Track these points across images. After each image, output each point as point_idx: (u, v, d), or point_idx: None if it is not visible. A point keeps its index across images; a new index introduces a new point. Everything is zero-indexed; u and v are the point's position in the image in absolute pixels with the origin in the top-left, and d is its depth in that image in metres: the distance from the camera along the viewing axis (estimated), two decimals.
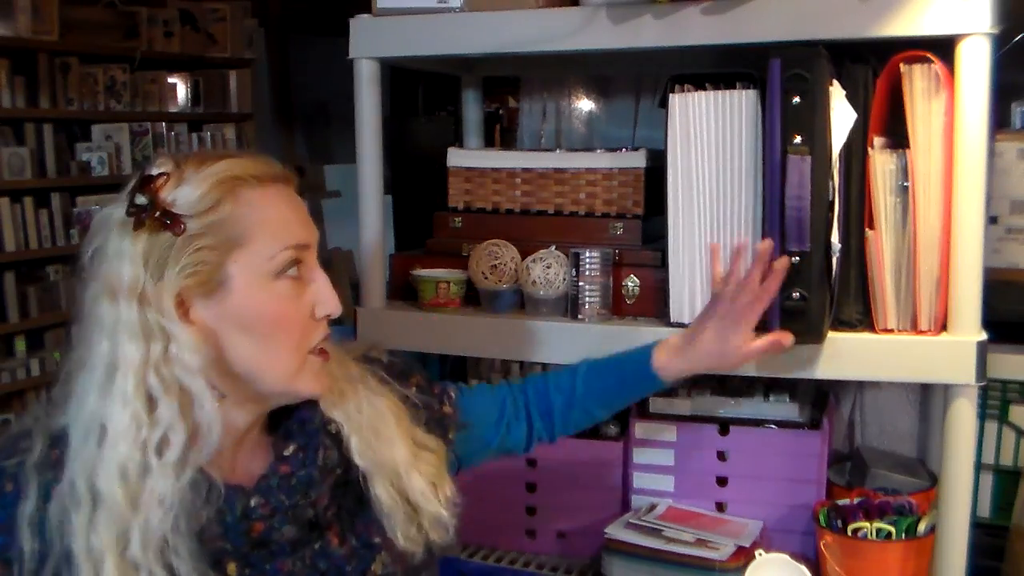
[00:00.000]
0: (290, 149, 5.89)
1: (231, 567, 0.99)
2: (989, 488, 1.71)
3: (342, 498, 1.09)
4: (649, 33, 1.45)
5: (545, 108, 2.29)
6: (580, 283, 1.55)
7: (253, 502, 1.00)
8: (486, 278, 1.63)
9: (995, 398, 1.69)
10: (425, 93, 5.64)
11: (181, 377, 0.96)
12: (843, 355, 1.41)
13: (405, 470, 1.09)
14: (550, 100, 2.29)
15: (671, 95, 1.45)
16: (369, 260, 1.68)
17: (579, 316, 1.56)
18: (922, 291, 1.38)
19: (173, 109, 4.96)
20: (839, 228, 1.38)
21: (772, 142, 1.35)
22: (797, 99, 1.32)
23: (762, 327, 1.40)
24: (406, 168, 4.29)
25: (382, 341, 1.29)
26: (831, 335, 1.40)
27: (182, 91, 5.01)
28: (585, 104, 2.29)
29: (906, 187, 1.37)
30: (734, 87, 1.43)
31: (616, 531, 1.63)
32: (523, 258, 1.62)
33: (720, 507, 1.70)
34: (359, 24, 1.62)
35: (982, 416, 1.67)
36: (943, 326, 1.38)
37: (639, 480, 1.74)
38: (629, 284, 1.59)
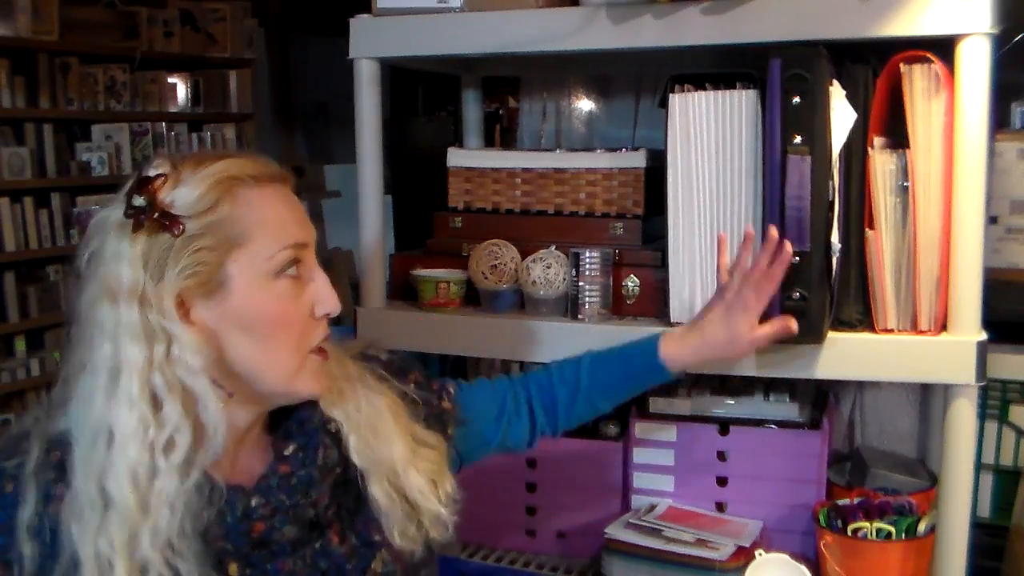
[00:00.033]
0: (290, 149, 5.90)
1: (232, 567, 0.99)
2: (989, 488, 1.71)
3: (342, 497, 1.09)
4: (649, 33, 1.45)
5: (545, 108, 2.29)
6: (580, 283, 1.55)
7: (254, 502, 1.00)
8: (486, 278, 1.63)
9: (995, 398, 1.69)
10: (425, 93, 5.64)
11: (184, 378, 0.96)
12: (843, 355, 1.41)
13: (403, 468, 1.09)
14: (550, 100, 2.29)
15: (671, 95, 1.45)
16: (369, 260, 1.68)
17: (579, 316, 1.56)
18: (922, 291, 1.38)
19: (173, 109, 4.96)
20: (839, 228, 1.38)
21: (772, 142, 1.35)
22: (797, 99, 1.32)
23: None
24: (406, 168, 4.29)
25: (381, 340, 1.29)
26: (831, 335, 1.40)
27: (182, 91, 5.01)
28: (585, 104, 2.29)
29: (906, 187, 1.37)
30: (734, 87, 1.43)
31: (616, 531, 1.63)
32: (523, 258, 1.62)
33: (720, 507, 1.70)
34: (359, 24, 1.62)
35: (982, 416, 1.67)
36: (943, 326, 1.38)
37: (639, 480, 1.74)
38: (629, 284, 1.59)
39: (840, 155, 1.37)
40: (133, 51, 4.65)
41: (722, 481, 1.69)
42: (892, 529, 1.50)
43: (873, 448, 1.84)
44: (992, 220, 1.64)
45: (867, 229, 1.40)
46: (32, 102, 4.22)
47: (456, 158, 1.76)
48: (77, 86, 4.39)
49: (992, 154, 1.56)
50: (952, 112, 1.33)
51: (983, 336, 1.36)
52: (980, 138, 1.32)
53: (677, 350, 1.30)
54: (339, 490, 1.08)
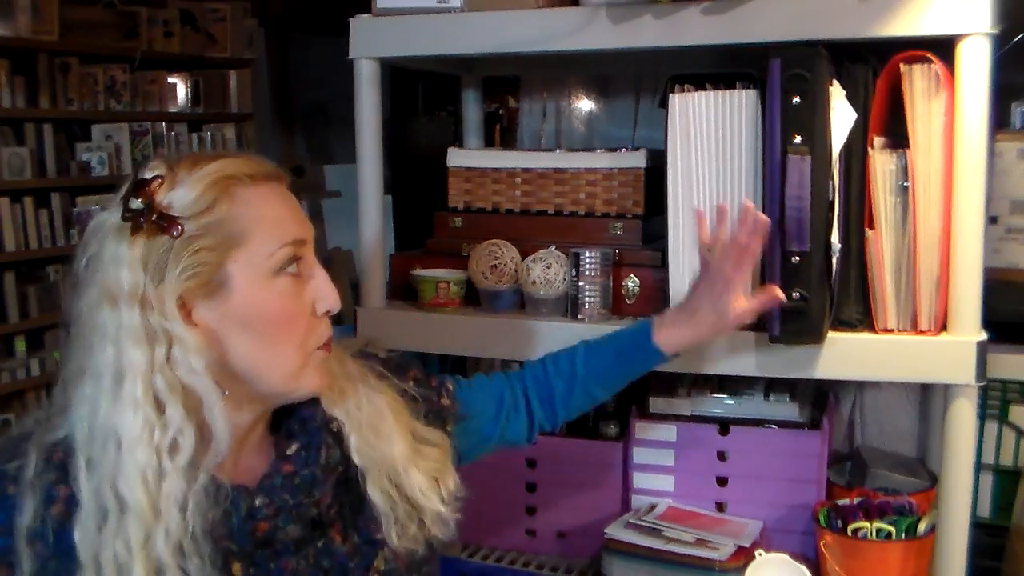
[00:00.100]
0: (290, 149, 5.89)
1: (236, 567, 0.99)
2: (989, 488, 1.71)
3: (344, 495, 1.09)
4: (649, 33, 1.45)
5: (545, 108, 2.30)
6: (580, 283, 1.55)
7: (258, 502, 1.00)
8: (486, 278, 1.63)
9: (995, 398, 1.69)
10: (425, 93, 5.64)
11: (186, 379, 0.96)
12: (843, 355, 1.41)
13: (404, 467, 1.09)
14: (550, 100, 2.29)
15: (671, 95, 1.45)
16: (369, 260, 1.68)
17: (579, 316, 1.56)
18: (922, 291, 1.38)
19: (173, 109, 4.96)
20: (839, 228, 1.38)
21: (772, 142, 1.35)
22: (797, 99, 1.32)
23: (761, 326, 1.41)
24: (406, 168, 4.30)
25: (380, 338, 1.29)
26: (831, 335, 1.40)
27: (182, 91, 5.01)
28: (585, 104, 2.29)
29: (906, 187, 1.37)
30: (734, 87, 1.43)
31: (616, 531, 1.63)
32: (523, 258, 1.62)
33: (720, 507, 1.70)
34: (359, 24, 1.62)
35: (982, 416, 1.67)
36: (943, 326, 1.38)
37: (639, 480, 1.74)
38: (629, 284, 1.59)
39: (840, 155, 1.37)
40: (133, 51, 4.65)
41: (722, 481, 1.69)
42: (892, 529, 1.50)
43: (873, 448, 1.84)
44: (992, 220, 1.63)
45: (867, 229, 1.40)
46: (32, 102, 4.22)
47: (456, 158, 1.76)
48: (77, 86, 4.39)
49: (992, 154, 1.56)
50: (952, 112, 1.33)
51: (983, 336, 1.36)
52: (980, 138, 1.32)
53: (670, 333, 1.31)
54: (341, 489, 1.09)
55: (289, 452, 1.05)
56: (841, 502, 1.58)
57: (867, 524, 1.51)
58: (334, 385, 1.08)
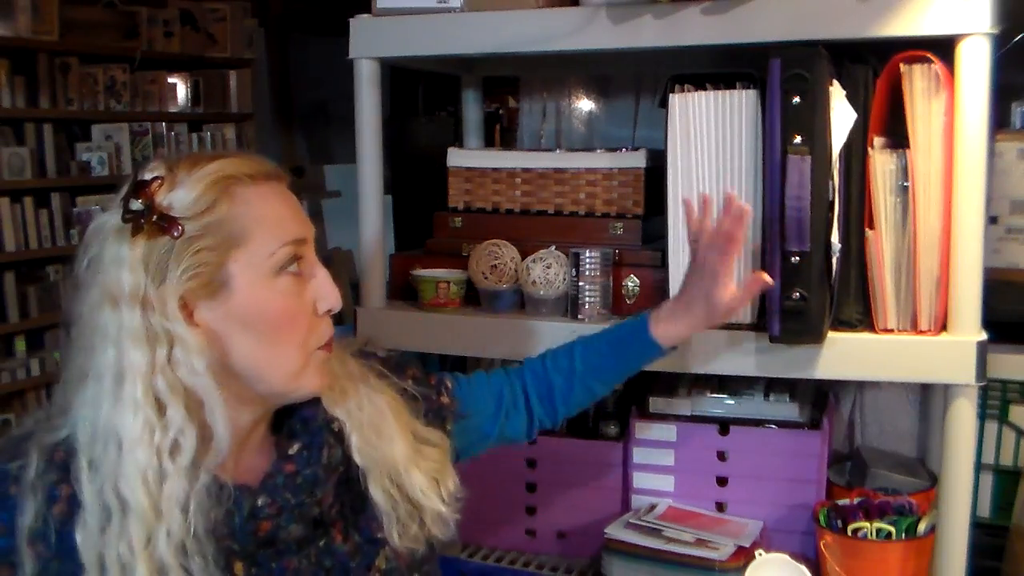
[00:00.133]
0: (290, 149, 5.89)
1: (238, 567, 0.99)
2: (989, 488, 1.71)
3: (345, 495, 1.09)
4: (649, 33, 1.45)
5: (545, 108, 2.29)
6: (580, 283, 1.55)
7: (260, 501, 1.00)
8: (486, 278, 1.63)
9: (995, 398, 1.69)
10: (425, 93, 5.64)
11: (187, 380, 0.96)
12: (843, 355, 1.41)
13: (405, 467, 1.09)
14: (550, 100, 2.29)
15: (671, 95, 1.45)
16: (369, 260, 1.68)
17: (579, 316, 1.56)
18: (922, 291, 1.38)
19: (173, 109, 4.96)
20: (839, 228, 1.38)
21: (772, 142, 1.35)
22: (797, 99, 1.32)
23: (761, 326, 1.41)
24: (406, 168, 4.30)
25: (380, 338, 1.29)
26: (831, 335, 1.40)
27: (182, 91, 5.01)
28: (585, 104, 2.29)
29: (906, 187, 1.37)
30: (734, 87, 1.43)
31: (616, 531, 1.63)
32: (523, 258, 1.62)
33: (720, 507, 1.70)
34: (359, 24, 1.62)
35: (982, 416, 1.67)
36: (943, 326, 1.38)
37: (639, 480, 1.74)
38: (629, 284, 1.59)
39: (840, 155, 1.37)
40: (133, 51, 4.65)
41: (722, 481, 1.69)
42: (892, 529, 1.50)
43: (873, 448, 1.84)
44: (992, 220, 1.63)
45: (867, 229, 1.40)
46: (32, 102, 4.22)
47: (456, 158, 1.76)
48: (77, 86, 4.38)
49: (992, 154, 1.56)
50: (952, 112, 1.33)
51: (983, 336, 1.36)
52: (980, 138, 1.32)
53: (666, 326, 1.31)
54: (342, 488, 1.09)
55: (291, 452, 1.05)
56: (841, 502, 1.59)
57: (867, 524, 1.51)
58: (335, 385, 1.08)
